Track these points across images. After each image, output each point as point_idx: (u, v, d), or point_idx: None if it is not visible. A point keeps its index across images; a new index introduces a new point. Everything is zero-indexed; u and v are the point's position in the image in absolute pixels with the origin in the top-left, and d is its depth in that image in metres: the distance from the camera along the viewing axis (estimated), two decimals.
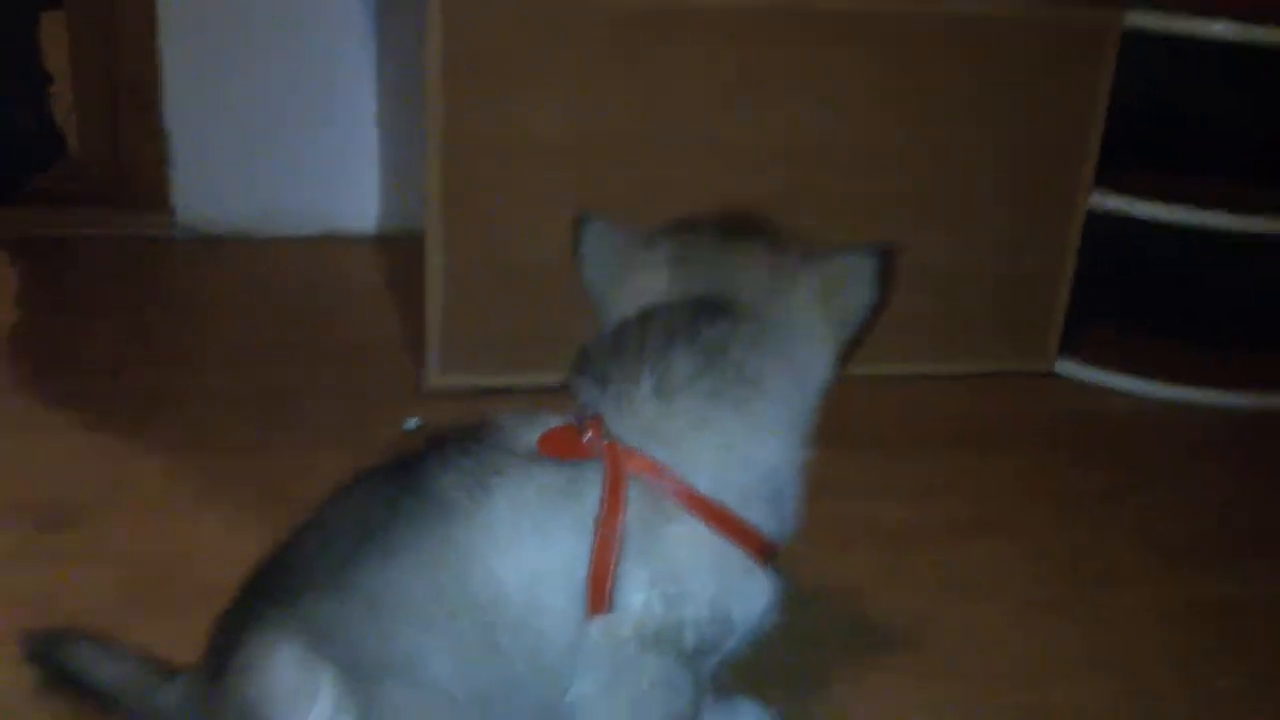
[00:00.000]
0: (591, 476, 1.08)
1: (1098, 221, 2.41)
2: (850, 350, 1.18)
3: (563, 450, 1.09)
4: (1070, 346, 2.50)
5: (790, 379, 1.13)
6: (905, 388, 2.36)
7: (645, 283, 1.17)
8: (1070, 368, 2.49)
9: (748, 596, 1.11)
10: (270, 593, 1.13)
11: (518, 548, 1.07)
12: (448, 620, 1.07)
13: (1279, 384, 2.49)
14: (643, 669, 1.08)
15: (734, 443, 1.10)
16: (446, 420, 2.07)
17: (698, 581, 1.08)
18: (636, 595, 1.06)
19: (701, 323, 1.11)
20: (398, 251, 2.59)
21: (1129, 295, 2.84)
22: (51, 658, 1.28)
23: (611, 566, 1.06)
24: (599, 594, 1.06)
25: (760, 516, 1.10)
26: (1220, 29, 2.25)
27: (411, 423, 2.04)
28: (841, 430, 2.07)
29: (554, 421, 1.12)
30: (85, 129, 2.90)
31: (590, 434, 1.09)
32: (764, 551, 1.11)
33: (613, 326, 1.17)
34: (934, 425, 2.26)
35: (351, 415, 2.07)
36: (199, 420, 2.04)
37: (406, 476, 1.11)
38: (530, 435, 1.11)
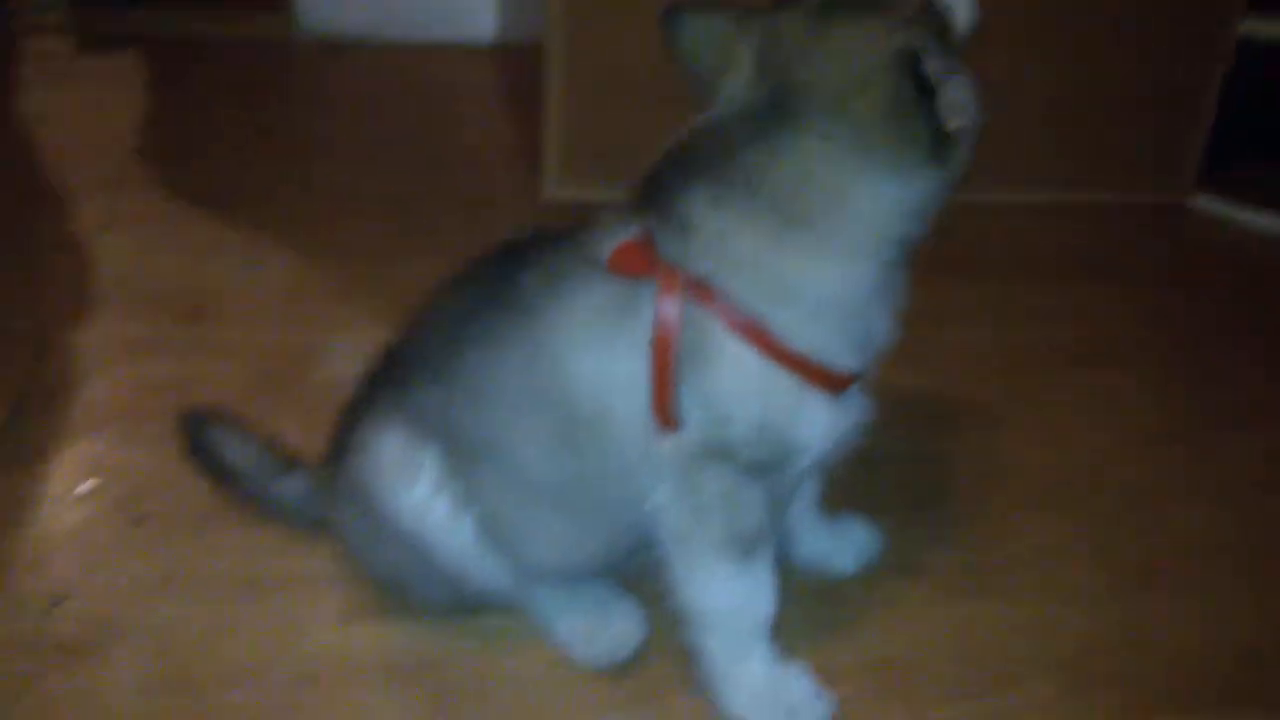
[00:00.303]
0: (647, 295, 1.09)
1: (1248, 47, 2.29)
2: (947, 173, 1.09)
3: (627, 266, 1.10)
4: (1209, 180, 2.40)
5: (846, 206, 1.05)
6: (1033, 214, 2.31)
7: (736, 77, 1.13)
8: (1207, 202, 2.39)
9: (801, 421, 1.10)
10: (383, 381, 1.22)
11: (585, 352, 1.10)
12: (531, 411, 1.13)
13: None
14: (705, 481, 1.11)
15: (783, 271, 1.06)
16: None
17: (741, 405, 1.09)
18: (692, 413, 1.09)
19: (746, 143, 1.07)
20: (515, 61, 2.57)
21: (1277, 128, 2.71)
22: (194, 434, 1.37)
23: (670, 385, 1.08)
24: (663, 411, 1.09)
25: (822, 343, 1.09)
26: None
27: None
28: (967, 257, 2.12)
29: (636, 232, 1.11)
30: None
31: (652, 253, 1.09)
32: (825, 379, 1.10)
33: (672, 143, 1.16)
34: (1060, 254, 2.21)
35: (470, 224, 2.09)
36: (321, 218, 2.08)
37: (500, 271, 1.16)
38: (610, 245, 1.11)
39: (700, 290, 1.07)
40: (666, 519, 1.13)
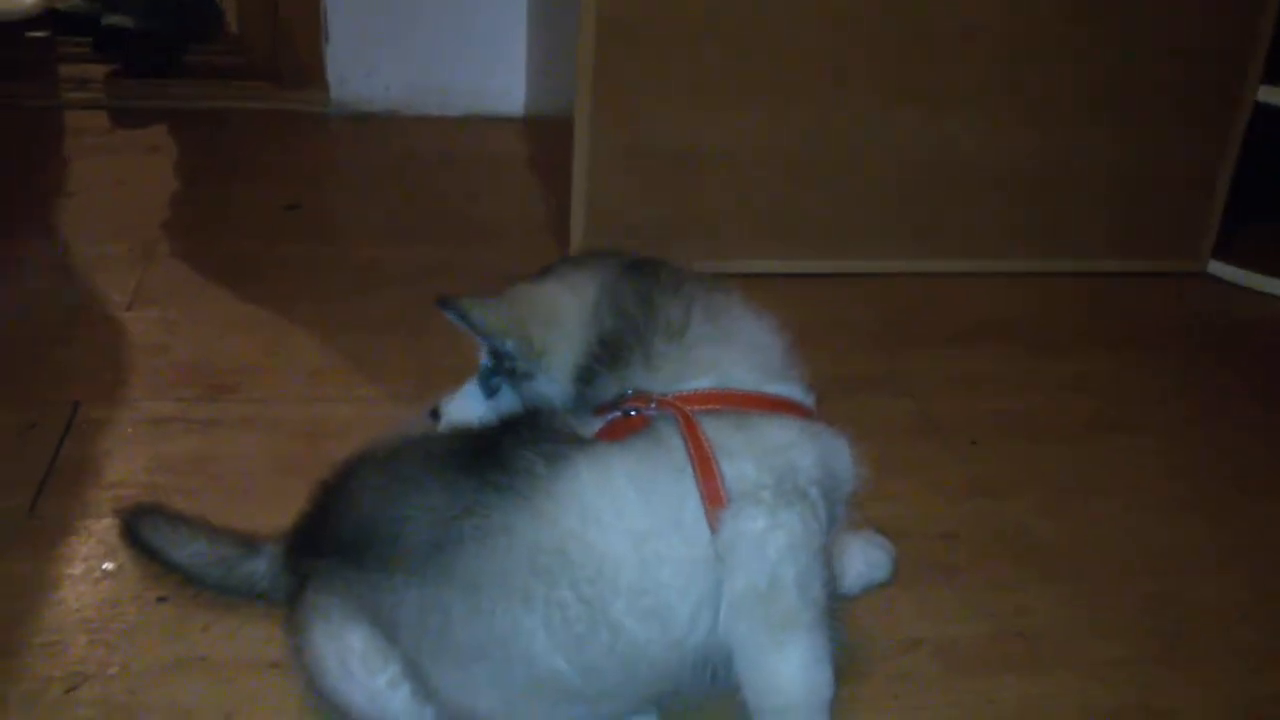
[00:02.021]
0: (664, 428, 1.12)
1: (1262, 117, 2.29)
2: None
3: (621, 432, 1.14)
4: (1225, 247, 2.39)
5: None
6: (1051, 284, 2.31)
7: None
8: (1223, 269, 2.39)
9: (839, 453, 1.18)
10: (350, 556, 1.15)
11: (619, 515, 1.09)
12: (549, 601, 1.08)
13: None
14: (780, 525, 1.10)
15: (742, 345, 1.19)
16: None
17: (797, 449, 1.13)
18: (747, 469, 1.11)
19: (666, 286, 1.22)
20: (543, 134, 2.59)
21: None
22: (134, 540, 1.35)
23: (715, 465, 1.10)
24: (713, 493, 1.09)
25: (794, 393, 1.19)
26: None
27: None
28: (988, 324, 2.12)
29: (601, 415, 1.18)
30: (245, 3, 2.95)
31: (637, 410, 1.14)
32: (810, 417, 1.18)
33: (591, 335, 1.22)
34: (1080, 322, 2.21)
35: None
36: (351, 294, 2.09)
37: (489, 447, 1.14)
38: (586, 428, 1.17)
39: (704, 397, 1.15)
40: (742, 619, 1.11)
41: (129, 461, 1.61)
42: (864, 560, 1.44)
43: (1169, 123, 2.29)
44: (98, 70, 2.92)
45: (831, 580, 1.17)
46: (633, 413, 1.14)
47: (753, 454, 1.11)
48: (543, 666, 1.10)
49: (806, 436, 1.15)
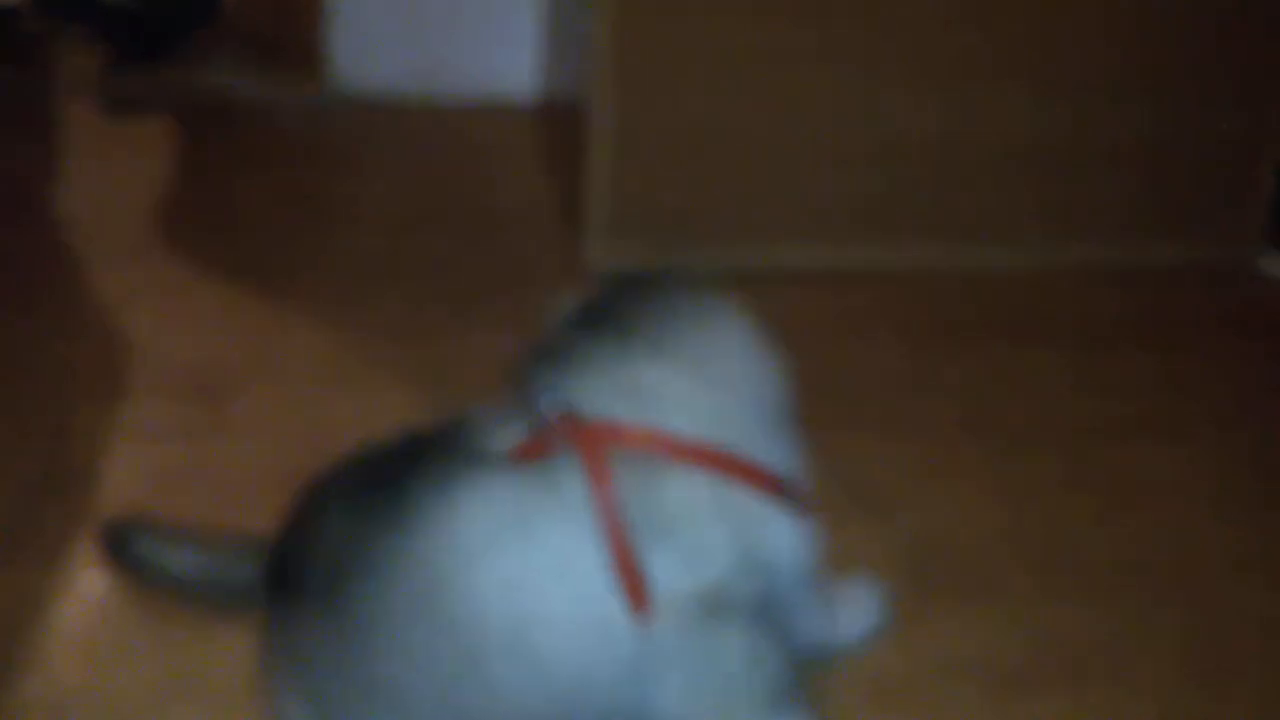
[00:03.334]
0: (565, 463, 0.98)
1: None
2: None
3: (533, 451, 1.00)
4: (1276, 235, 2.32)
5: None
6: (1094, 275, 2.23)
7: None
8: (1275, 263, 2.31)
9: (772, 535, 1.01)
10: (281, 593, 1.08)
11: (494, 556, 0.97)
12: (425, 645, 0.98)
13: None
14: (721, 647, 0.99)
15: (701, 379, 1.03)
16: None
17: (713, 534, 0.99)
18: (663, 573, 0.97)
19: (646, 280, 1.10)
20: (557, 119, 2.53)
21: None
22: (118, 553, 1.30)
23: (630, 550, 0.96)
24: (633, 585, 0.96)
25: (763, 449, 1.02)
26: None
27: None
28: (1030, 321, 2.05)
29: (524, 423, 1.03)
30: None
31: (557, 426, 1.00)
32: (776, 487, 1.02)
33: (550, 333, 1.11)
34: (1124, 319, 2.13)
35: (507, 291, 2.03)
36: (354, 289, 2.03)
37: (383, 484, 1.03)
38: (503, 436, 1.03)
39: (621, 431, 0.99)
40: (695, 712, 1.00)
41: (124, 469, 1.54)
42: (850, 611, 1.30)
43: (1216, 107, 2.22)
44: (92, 59, 2.85)
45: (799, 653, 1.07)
46: (544, 431, 1.02)
47: (663, 540, 0.97)
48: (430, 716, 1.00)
49: (728, 512, 1.00)
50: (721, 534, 0.99)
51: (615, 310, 1.08)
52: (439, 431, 1.06)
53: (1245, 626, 1.42)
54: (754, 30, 2.03)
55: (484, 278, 2.08)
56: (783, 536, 1.02)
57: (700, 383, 1.02)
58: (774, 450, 1.04)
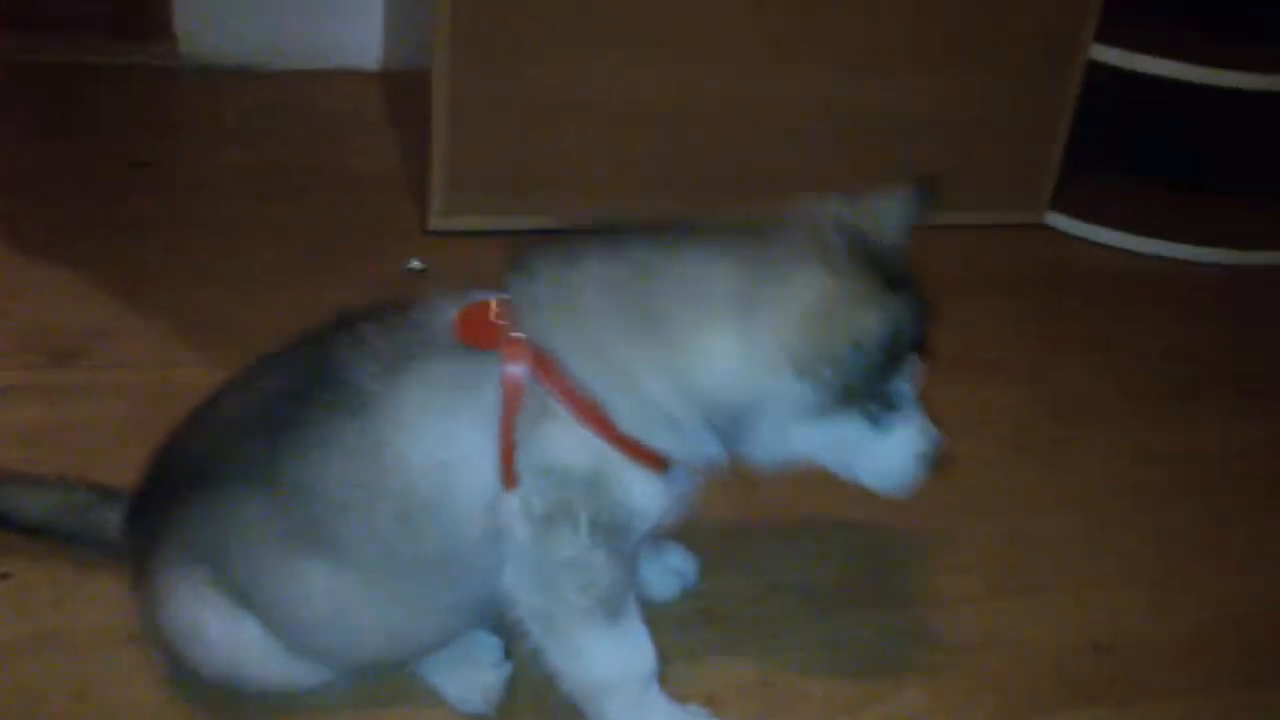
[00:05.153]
0: (492, 370, 1.11)
1: (1098, 72, 2.41)
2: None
3: (474, 336, 1.12)
4: (1063, 199, 2.52)
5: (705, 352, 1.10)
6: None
7: None
8: (1061, 220, 2.52)
9: (635, 493, 1.12)
10: (183, 489, 1.17)
11: (425, 435, 1.11)
12: (368, 507, 1.12)
13: (1262, 239, 2.55)
14: (553, 548, 1.12)
15: (627, 368, 1.09)
16: (447, 259, 2.12)
17: (573, 474, 1.10)
18: (531, 474, 1.11)
19: (637, 245, 1.12)
20: (402, 87, 2.58)
21: (1125, 147, 2.85)
22: None
23: (512, 449, 1.10)
24: (509, 475, 1.11)
25: (657, 439, 1.12)
26: None
27: (414, 263, 2.08)
28: None
29: (481, 304, 1.14)
30: None
31: (503, 323, 1.12)
32: (653, 460, 1.12)
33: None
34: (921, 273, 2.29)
35: (356, 253, 2.10)
36: (204, 252, 2.06)
37: (323, 361, 1.14)
38: (448, 318, 1.14)
39: (544, 365, 1.09)
40: (524, 599, 1.14)
41: None
42: (671, 570, 1.44)
43: (1009, 78, 2.38)
44: None
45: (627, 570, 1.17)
46: (499, 322, 1.12)
47: (531, 457, 1.11)
48: (370, 571, 1.13)
49: (596, 464, 1.11)
50: (580, 478, 1.10)
51: (641, 268, 1.11)
52: (387, 304, 1.16)
53: (1031, 545, 1.60)
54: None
55: (331, 239, 2.14)
56: (638, 485, 1.12)
57: (655, 374, 1.09)
58: (671, 441, 1.12)
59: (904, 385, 1.13)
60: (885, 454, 1.15)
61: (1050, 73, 2.40)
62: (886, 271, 1.10)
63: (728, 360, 1.08)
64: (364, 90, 2.79)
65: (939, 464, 1.17)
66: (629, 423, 1.10)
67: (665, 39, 2.18)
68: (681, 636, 1.36)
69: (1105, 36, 2.38)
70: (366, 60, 2.85)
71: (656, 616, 1.24)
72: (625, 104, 2.21)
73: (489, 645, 1.30)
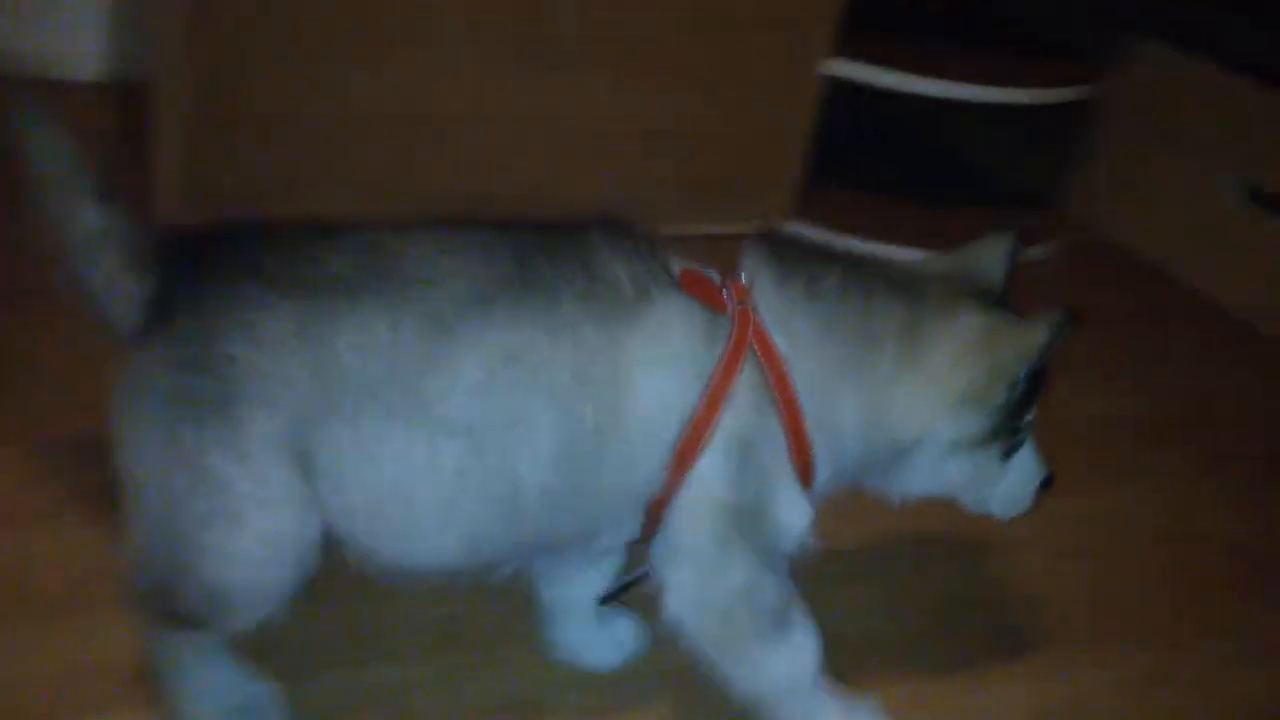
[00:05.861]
0: (722, 333, 1.09)
1: (840, 85, 2.48)
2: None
3: (703, 293, 1.11)
4: (806, 210, 2.58)
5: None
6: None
7: None
8: (803, 228, 2.58)
9: (793, 511, 1.15)
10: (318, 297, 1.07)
11: (653, 366, 1.08)
12: (574, 402, 1.07)
13: None
14: (728, 576, 1.12)
15: (833, 386, 1.14)
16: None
17: (772, 473, 1.12)
18: (718, 469, 1.09)
19: (878, 274, 1.18)
20: (130, 100, 2.45)
21: (867, 159, 2.96)
22: (27, 122, 1.20)
23: (710, 428, 1.08)
24: (692, 450, 1.08)
25: (821, 460, 1.15)
26: None
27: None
28: None
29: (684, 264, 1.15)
30: None
31: (730, 292, 1.11)
32: (805, 476, 1.15)
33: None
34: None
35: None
36: None
37: (577, 249, 1.10)
38: (672, 263, 1.13)
39: (768, 347, 1.10)
40: (698, 628, 1.14)
41: None
42: (617, 637, 1.40)
43: (750, 91, 2.43)
44: None
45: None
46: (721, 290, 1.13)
47: (739, 447, 1.11)
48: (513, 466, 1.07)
49: (782, 469, 1.15)
50: (775, 479, 1.13)
51: (879, 291, 1.17)
52: (629, 225, 1.14)
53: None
54: (340, 7, 2.07)
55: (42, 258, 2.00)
56: (796, 503, 1.15)
57: (854, 402, 1.14)
58: (828, 465, 1.16)
59: (1031, 417, 1.21)
60: (1016, 483, 1.24)
61: (790, 88, 2.47)
62: (1010, 309, 1.19)
63: (911, 399, 1.15)
64: (85, 101, 2.61)
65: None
66: (813, 437, 1.13)
67: (428, 47, 2.15)
68: None
69: (848, 52, 2.45)
70: (88, 71, 2.70)
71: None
72: (381, 114, 2.17)
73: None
